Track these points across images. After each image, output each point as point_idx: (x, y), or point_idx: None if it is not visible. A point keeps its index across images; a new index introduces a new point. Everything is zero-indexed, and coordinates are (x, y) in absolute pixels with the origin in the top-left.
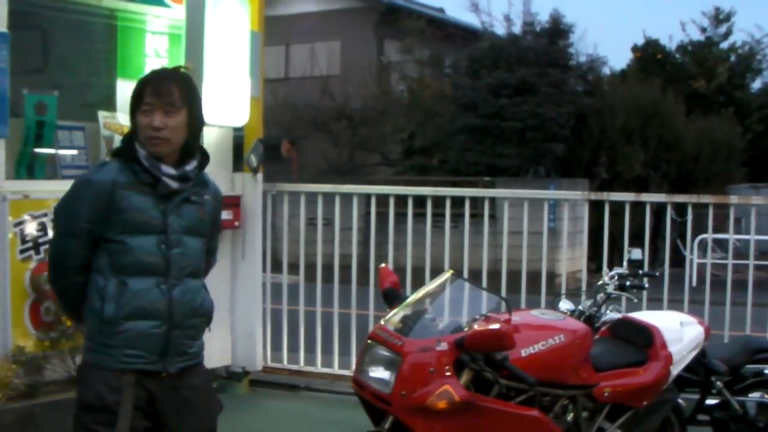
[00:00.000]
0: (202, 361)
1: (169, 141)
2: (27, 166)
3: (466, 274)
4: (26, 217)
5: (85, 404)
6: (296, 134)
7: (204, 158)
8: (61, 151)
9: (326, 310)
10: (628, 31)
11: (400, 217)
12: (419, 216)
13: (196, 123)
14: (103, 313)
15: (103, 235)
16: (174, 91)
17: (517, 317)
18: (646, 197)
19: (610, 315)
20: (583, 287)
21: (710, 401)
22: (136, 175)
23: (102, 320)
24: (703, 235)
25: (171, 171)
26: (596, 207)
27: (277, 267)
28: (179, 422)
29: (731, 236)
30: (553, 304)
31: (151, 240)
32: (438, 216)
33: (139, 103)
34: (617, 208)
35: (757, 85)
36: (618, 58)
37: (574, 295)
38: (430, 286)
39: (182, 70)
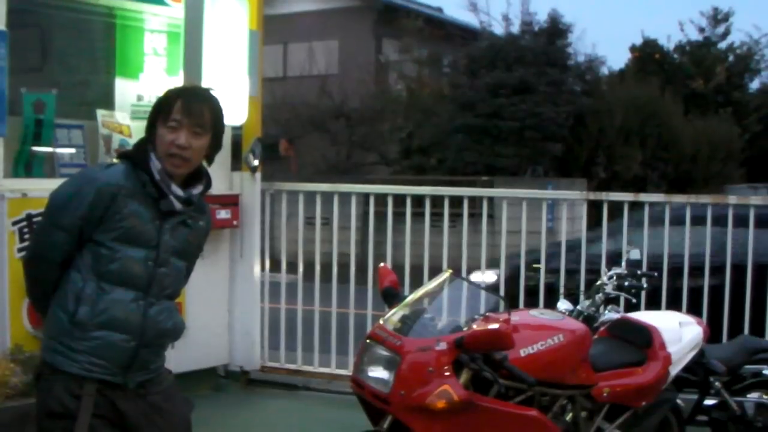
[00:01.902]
0: (163, 370)
1: (189, 162)
2: (25, 165)
3: (464, 274)
4: (24, 215)
5: (48, 410)
6: (294, 133)
7: (208, 183)
8: (60, 150)
9: (324, 310)
10: (627, 31)
11: (399, 216)
12: (417, 215)
13: (215, 148)
14: (75, 315)
15: (92, 236)
16: (205, 113)
17: (516, 317)
18: (644, 197)
19: (609, 315)
20: (582, 287)
21: (709, 401)
22: (142, 185)
23: (73, 322)
24: None
25: (179, 192)
26: (594, 207)
27: (275, 266)
28: (153, 428)
29: (729, 236)
30: (551, 304)
31: (140, 253)
32: (436, 215)
33: (167, 116)
34: (615, 208)
35: (755, 85)
36: (616, 57)
37: (572, 294)
38: (429, 285)
39: (212, 91)
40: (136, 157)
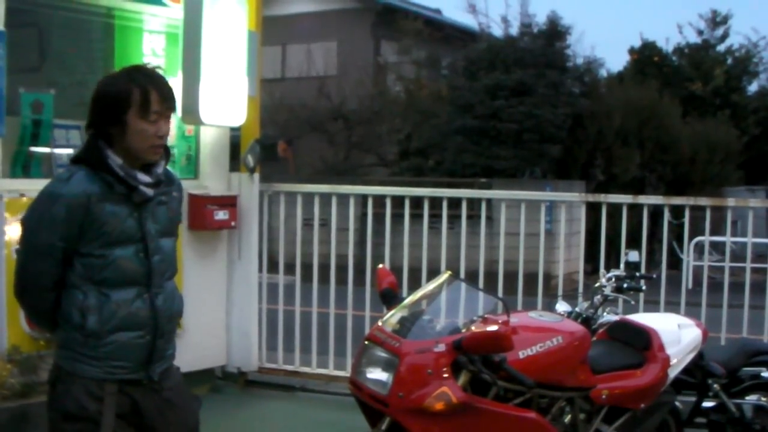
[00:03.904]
0: (173, 361)
1: (165, 143)
2: (23, 165)
3: (462, 275)
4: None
5: (66, 413)
6: (292, 134)
7: (167, 153)
8: (58, 150)
9: (322, 311)
10: (625, 34)
11: (397, 218)
12: (416, 217)
13: None
14: (86, 327)
15: (77, 250)
16: (174, 95)
17: (514, 319)
18: (643, 199)
19: (608, 317)
20: (580, 289)
21: (707, 404)
22: (109, 186)
23: (85, 334)
24: (700, 238)
25: (146, 178)
26: (593, 209)
27: (273, 267)
28: (165, 424)
29: (728, 239)
30: (550, 306)
31: (129, 250)
32: (435, 217)
33: (146, 110)
34: (614, 210)
35: (753, 87)
36: (615, 60)
37: (571, 296)
38: (428, 287)
39: (158, 69)
40: (92, 160)
